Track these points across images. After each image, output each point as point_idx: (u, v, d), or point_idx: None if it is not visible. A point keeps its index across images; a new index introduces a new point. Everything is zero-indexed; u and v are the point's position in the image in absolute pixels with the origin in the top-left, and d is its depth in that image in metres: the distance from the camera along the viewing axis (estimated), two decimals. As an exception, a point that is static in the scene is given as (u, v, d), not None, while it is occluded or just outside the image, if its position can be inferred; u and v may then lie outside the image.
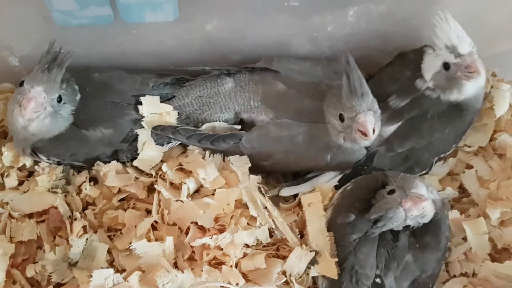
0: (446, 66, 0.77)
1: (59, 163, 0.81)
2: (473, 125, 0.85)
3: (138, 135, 0.81)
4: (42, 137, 0.77)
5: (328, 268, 0.72)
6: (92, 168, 0.81)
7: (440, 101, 0.80)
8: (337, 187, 0.82)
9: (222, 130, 0.85)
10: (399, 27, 0.81)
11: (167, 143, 0.83)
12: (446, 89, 0.79)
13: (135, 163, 0.82)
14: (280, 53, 0.84)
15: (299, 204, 0.81)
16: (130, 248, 0.72)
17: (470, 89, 0.77)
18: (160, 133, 0.81)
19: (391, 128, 0.81)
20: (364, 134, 0.74)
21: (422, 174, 0.84)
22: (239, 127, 0.85)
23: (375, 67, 0.87)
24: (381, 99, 0.82)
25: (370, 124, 0.73)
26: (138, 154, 0.82)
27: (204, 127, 0.84)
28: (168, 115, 0.83)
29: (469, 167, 0.87)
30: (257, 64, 0.85)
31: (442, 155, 0.84)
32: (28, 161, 0.82)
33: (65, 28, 0.74)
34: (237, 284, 0.70)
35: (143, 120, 0.82)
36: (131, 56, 0.85)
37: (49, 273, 0.72)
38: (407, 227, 0.72)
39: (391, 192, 0.72)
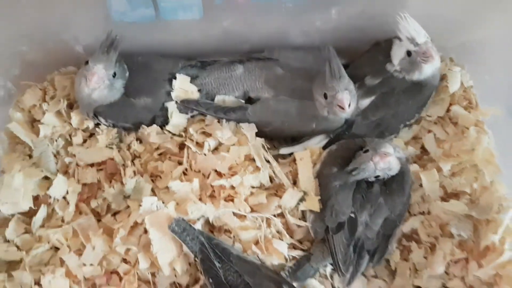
0: (408, 53, 0.92)
1: (114, 125, 0.99)
2: (433, 99, 1.00)
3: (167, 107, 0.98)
4: (101, 103, 0.94)
5: (313, 204, 0.90)
6: (138, 130, 0.99)
7: (405, 80, 0.95)
8: (324, 148, 0.98)
9: (231, 101, 1.01)
10: (372, 22, 0.97)
11: (190, 112, 1.01)
12: (409, 71, 0.94)
13: (168, 127, 0.99)
14: (280, 43, 1.00)
15: (294, 160, 0.97)
16: (168, 187, 0.90)
17: (428, 70, 0.93)
18: (186, 105, 0.99)
19: (367, 101, 0.96)
20: (342, 108, 0.90)
21: (391, 138, 1.00)
22: (243, 101, 1.02)
23: (356, 54, 1.03)
24: (359, 78, 0.97)
25: (346, 100, 0.89)
26: (168, 121, 0.99)
27: (217, 99, 1.01)
28: (192, 94, 1.00)
29: (429, 132, 1.01)
30: (262, 54, 1.01)
31: (407, 122, 0.99)
32: (90, 124, 0.99)
33: (119, 24, 0.92)
34: (245, 211, 0.89)
35: (173, 92, 0.98)
36: (165, 45, 1.01)
37: (109, 202, 0.92)
38: (378, 178, 0.88)
39: (366, 151, 0.87)
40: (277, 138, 1.04)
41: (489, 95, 1.00)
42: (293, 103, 0.98)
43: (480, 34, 1.01)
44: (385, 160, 0.84)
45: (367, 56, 1.02)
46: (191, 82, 1.01)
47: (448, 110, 1.02)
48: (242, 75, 1.01)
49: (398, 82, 0.96)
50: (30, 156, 0.99)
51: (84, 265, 0.86)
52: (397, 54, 0.95)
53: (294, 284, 0.86)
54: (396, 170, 0.88)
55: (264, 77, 1.00)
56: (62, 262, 0.87)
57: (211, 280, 0.82)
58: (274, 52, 1.01)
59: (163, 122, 1.01)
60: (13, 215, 0.93)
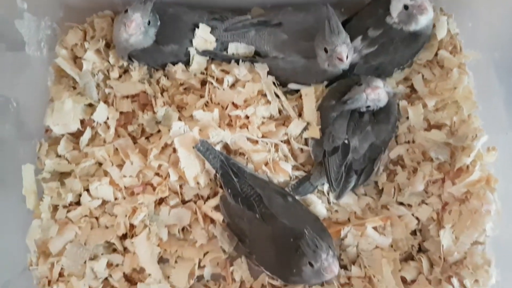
0: (405, 7, 1.01)
1: (145, 66, 1.12)
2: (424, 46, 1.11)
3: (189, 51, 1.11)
4: (136, 48, 1.04)
5: (314, 132, 1.03)
6: (165, 68, 1.13)
7: (402, 31, 1.04)
8: (326, 86, 1.11)
9: (242, 49, 1.12)
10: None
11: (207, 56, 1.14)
12: (406, 22, 1.03)
13: (191, 68, 1.12)
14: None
15: (300, 96, 1.08)
16: (192, 115, 1.03)
17: (423, 21, 1.02)
18: (207, 54, 1.12)
19: (370, 51, 1.06)
20: (341, 60, 1.00)
21: (385, 79, 1.10)
22: (253, 48, 1.13)
23: (359, 6, 1.13)
24: (362, 29, 1.06)
25: (344, 53, 0.98)
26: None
27: (230, 46, 1.12)
28: (210, 43, 1.10)
29: (418, 73, 1.10)
30: (272, 21, 1.09)
31: (401, 67, 1.09)
32: (125, 62, 1.10)
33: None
34: (257, 136, 1.03)
35: (194, 39, 1.09)
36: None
37: (144, 127, 1.07)
38: (368, 108, 1.00)
39: (360, 85, 0.99)
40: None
41: (473, 41, 1.11)
42: (299, 63, 1.08)
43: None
44: (375, 92, 0.97)
45: (368, 10, 1.11)
46: (210, 32, 1.12)
47: (436, 54, 1.11)
48: (253, 37, 1.12)
49: (396, 33, 1.05)
50: (74, 87, 1.13)
51: (124, 176, 1.03)
52: (396, 7, 1.04)
53: (296, 197, 1.03)
54: (384, 102, 1.01)
55: (272, 41, 1.10)
56: (106, 173, 1.04)
57: (229, 191, 0.99)
58: (278, 14, 1.12)
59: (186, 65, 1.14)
60: (63, 135, 1.09)
